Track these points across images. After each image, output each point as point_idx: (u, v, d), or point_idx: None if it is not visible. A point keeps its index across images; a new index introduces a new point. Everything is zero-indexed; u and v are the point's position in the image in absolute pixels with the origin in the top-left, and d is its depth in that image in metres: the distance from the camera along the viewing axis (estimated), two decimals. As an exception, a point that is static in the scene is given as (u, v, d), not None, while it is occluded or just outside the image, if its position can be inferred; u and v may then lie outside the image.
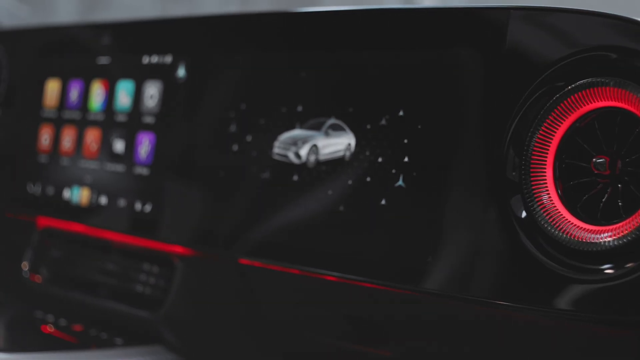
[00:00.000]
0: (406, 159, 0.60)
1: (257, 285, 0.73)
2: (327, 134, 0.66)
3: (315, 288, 0.68)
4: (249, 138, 0.72)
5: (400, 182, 0.59)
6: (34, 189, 0.92)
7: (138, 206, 0.80)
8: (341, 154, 0.65)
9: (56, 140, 0.91)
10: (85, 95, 0.89)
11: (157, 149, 0.80)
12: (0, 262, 0.98)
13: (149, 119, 0.81)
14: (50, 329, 0.87)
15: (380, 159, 0.62)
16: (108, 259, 0.85)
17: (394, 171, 0.61)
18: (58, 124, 0.91)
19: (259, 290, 0.73)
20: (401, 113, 0.61)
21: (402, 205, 0.59)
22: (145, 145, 0.81)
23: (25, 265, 0.93)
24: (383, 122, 0.62)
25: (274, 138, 0.70)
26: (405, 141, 0.60)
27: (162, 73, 0.80)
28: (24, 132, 0.95)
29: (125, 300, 0.83)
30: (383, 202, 0.61)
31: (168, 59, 0.80)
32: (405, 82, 0.61)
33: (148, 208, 0.79)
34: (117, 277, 0.84)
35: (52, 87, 0.93)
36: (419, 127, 0.60)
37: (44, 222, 0.94)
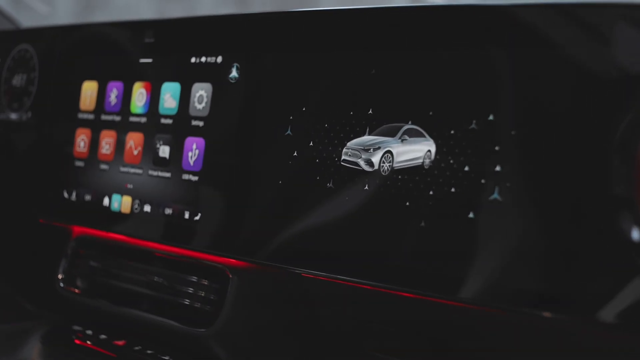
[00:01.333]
0: (498, 168, 0.55)
1: (322, 301, 0.68)
2: (403, 140, 0.62)
3: (388, 305, 0.63)
4: (311, 143, 0.68)
5: (495, 195, 0.55)
6: (70, 195, 0.87)
7: (186, 215, 0.76)
8: (419, 161, 0.61)
9: (94, 144, 0.86)
10: (126, 97, 0.84)
11: (207, 155, 0.75)
12: (34, 272, 0.93)
13: (197, 123, 0.76)
14: (89, 343, 0.82)
15: (466, 168, 0.57)
16: (152, 270, 0.81)
17: (483, 181, 0.56)
18: (96, 127, 0.86)
19: (324, 307, 0.68)
20: (491, 117, 0.56)
21: (496, 219, 0.55)
22: (193, 150, 0.76)
23: (60, 276, 0.89)
24: (469, 127, 0.58)
25: (342, 144, 0.65)
26: (497, 148, 0.56)
27: (212, 74, 0.76)
28: (58, 135, 0.90)
29: (173, 315, 0.78)
30: (471, 215, 0.56)
31: (219, 59, 0.75)
32: (496, 83, 0.57)
33: (197, 217, 0.75)
34: (162, 290, 0.79)
35: (88, 89, 0.88)
36: (513, 132, 0.55)
37: (79, 230, 0.89)
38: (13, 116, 0.97)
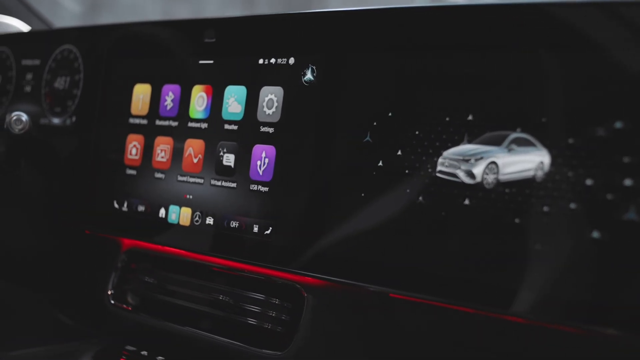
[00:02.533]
0: (629, 183, 0.50)
1: (411, 325, 0.63)
2: (510, 150, 0.56)
3: (494, 331, 0.58)
4: (399, 152, 0.62)
5: (631, 214, 0.49)
6: (121, 205, 0.82)
7: (255, 228, 0.70)
8: (530, 173, 0.55)
9: (147, 151, 0.81)
10: (183, 101, 0.78)
11: (278, 164, 0.69)
12: (81, 287, 0.87)
13: (267, 129, 0.71)
14: (144, 365, 0.77)
15: (588, 182, 0.52)
16: (215, 287, 0.75)
17: (610, 197, 0.51)
18: (149, 133, 0.81)
19: (412, 331, 0.63)
20: (619, 125, 0.51)
21: (631, 241, 0.49)
22: (262, 159, 0.71)
23: (109, 291, 0.83)
24: (591, 135, 0.52)
25: (437, 153, 0.60)
26: (627, 160, 0.50)
27: (283, 77, 0.70)
28: (107, 141, 0.85)
29: (238, 336, 0.72)
30: (596, 235, 0.51)
31: (291, 60, 0.70)
32: (623, 85, 0.51)
33: (268, 231, 0.69)
34: (227, 309, 0.74)
35: (141, 92, 0.82)
36: (647, 143, 0.50)
37: (129, 242, 0.84)
38: (56, 121, 0.92)
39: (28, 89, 0.97)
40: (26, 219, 0.91)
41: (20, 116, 0.80)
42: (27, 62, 0.98)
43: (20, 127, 0.80)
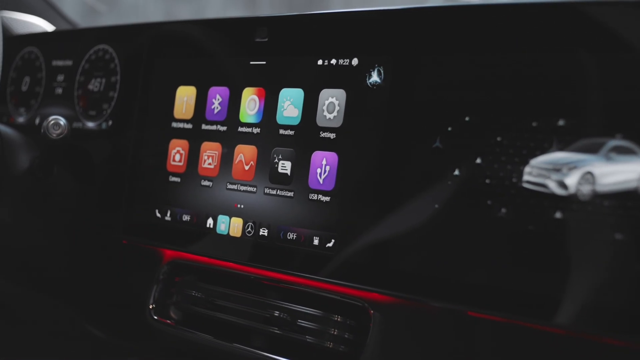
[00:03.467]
0: None
1: (495, 347, 0.58)
2: (608, 158, 0.52)
3: (593, 357, 0.53)
4: (478, 160, 0.58)
5: None
6: (164, 214, 0.77)
7: (316, 241, 0.66)
8: (633, 185, 0.51)
9: (193, 157, 0.76)
10: (233, 105, 0.74)
11: (341, 172, 0.65)
12: (119, 300, 0.83)
13: (328, 135, 0.66)
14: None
15: None
16: (270, 303, 0.70)
17: None
18: (195, 138, 0.76)
19: (497, 353, 0.58)
20: None
21: None
22: (323, 166, 0.66)
23: (151, 305, 0.78)
24: None
25: (523, 162, 0.55)
26: None
27: (346, 79, 0.66)
28: (147, 147, 0.80)
29: (294, 354, 0.68)
30: None
31: (354, 61, 0.65)
32: None
33: (330, 243, 0.65)
34: (283, 326, 0.69)
35: (185, 95, 0.78)
36: None
37: (171, 254, 0.79)
38: (90, 125, 0.87)
39: (59, 91, 0.92)
40: (59, 229, 0.87)
41: (59, 120, 0.76)
42: (57, 62, 0.93)
43: (58, 132, 0.76)
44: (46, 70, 0.94)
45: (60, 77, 0.92)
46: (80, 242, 0.87)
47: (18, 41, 0.98)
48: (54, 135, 0.76)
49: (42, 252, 0.87)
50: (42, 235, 0.86)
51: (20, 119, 0.96)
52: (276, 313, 0.69)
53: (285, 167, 0.69)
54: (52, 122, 0.75)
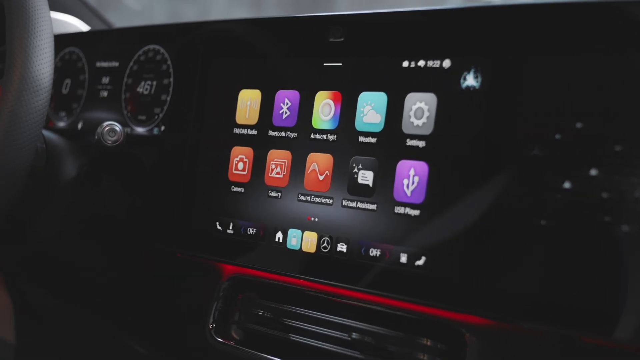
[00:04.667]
0: None
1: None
2: None
3: None
4: (593, 172, 0.53)
5: None
6: (226, 227, 0.72)
7: (403, 258, 0.60)
8: None
9: (258, 165, 0.71)
10: (304, 110, 0.68)
11: (432, 183, 0.60)
12: (175, 318, 0.77)
13: (416, 143, 0.61)
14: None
15: None
16: (348, 324, 0.65)
17: None
18: (260, 145, 0.71)
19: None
20: None
21: None
22: (411, 177, 0.61)
23: (211, 325, 0.73)
24: None
25: (651, 174, 0.50)
26: None
27: (436, 82, 0.61)
28: (206, 154, 0.75)
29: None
30: None
31: (445, 63, 0.60)
32: None
33: (420, 261, 0.59)
34: (364, 350, 0.64)
35: (248, 99, 0.73)
36: None
37: (232, 269, 0.74)
38: (140, 130, 0.81)
39: (104, 94, 0.87)
40: (108, 240, 0.81)
41: (114, 126, 0.70)
42: (102, 64, 0.88)
43: (114, 138, 0.70)
44: (89, 72, 0.89)
45: (106, 79, 0.87)
46: (129, 254, 0.81)
47: (57, 41, 0.93)
48: (109, 142, 0.70)
49: (89, 265, 0.82)
50: (90, 246, 0.81)
51: (61, 124, 0.90)
52: (356, 335, 0.64)
53: (366, 177, 0.63)
54: (107, 128, 0.70)
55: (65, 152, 0.78)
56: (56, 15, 1.11)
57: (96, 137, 0.71)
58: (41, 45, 0.65)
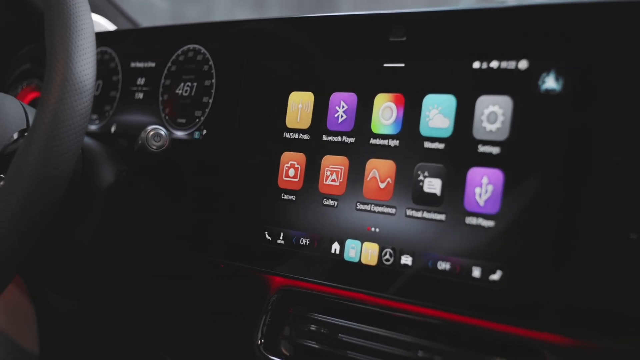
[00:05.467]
0: None
1: None
2: None
3: None
4: (692, 182, 0.49)
5: None
6: (275, 237, 0.68)
7: (476, 272, 0.56)
8: None
9: (311, 172, 0.67)
10: (362, 113, 0.65)
11: (508, 192, 0.56)
12: (222, 331, 0.73)
13: (489, 150, 0.57)
14: None
15: None
16: (413, 342, 0.61)
17: None
18: (313, 150, 0.67)
19: None
20: None
21: None
22: (484, 185, 0.57)
23: (259, 340, 0.69)
24: None
25: None
26: None
27: (512, 84, 0.57)
28: (253, 160, 0.71)
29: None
30: None
31: (522, 64, 0.56)
32: None
33: (495, 276, 0.56)
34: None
35: (299, 102, 0.69)
36: None
37: (280, 281, 0.70)
38: (179, 134, 0.78)
39: (139, 95, 0.83)
40: (146, 250, 0.77)
41: (159, 130, 0.67)
42: (137, 64, 0.84)
43: (159, 143, 0.66)
44: (123, 73, 0.85)
45: (141, 80, 0.83)
46: (169, 265, 0.77)
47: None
48: (154, 147, 0.66)
49: (127, 275, 0.78)
50: (128, 256, 0.77)
51: (92, 127, 0.86)
52: (423, 354, 0.60)
53: (433, 185, 0.60)
54: (152, 132, 0.66)
55: (102, 157, 0.74)
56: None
57: (140, 141, 0.67)
58: (83, 45, 0.61)
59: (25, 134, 0.72)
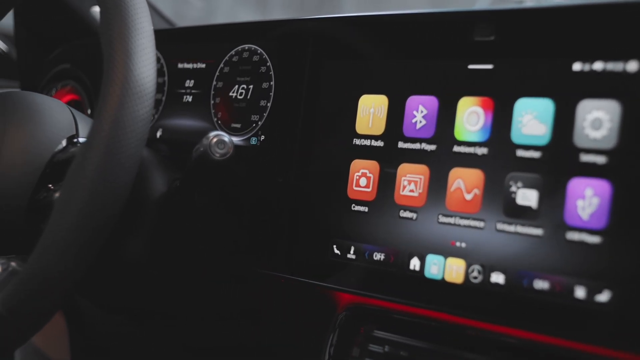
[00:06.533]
0: None
1: None
2: None
3: None
4: None
5: None
6: (345, 251, 0.63)
7: (579, 292, 0.52)
8: None
9: (386, 181, 0.62)
10: (444, 118, 0.60)
11: (617, 205, 0.51)
12: (284, 351, 0.69)
13: (593, 159, 0.52)
14: None
15: None
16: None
17: None
18: (388, 158, 0.62)
19: None
20: None
21: None
22: (587, 198, 0.52)
23: (327, 361, 0.64)
24: None
25: None
26: None
27: (620, 88, 0.52)
28: (318, 168, 0.66)
29: None
30: None
31: (632, 66, 0.52)
32: None
33: (602, 297, 0.51)
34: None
35: (370, 106, 0.64)
36: None
37: (349, 298, 0.65)
38: (234, 140, 0.73)
39: (188, 98, 0.78)
40: (201, 263, 0.73)
41: (222, 137, 0.62)
42: (185, 65, 0.79)
43: (223, 151, 0.61)
44: (169, 74, 0.80)
45: (189, 82, 0.78)
46: (224, 281, 0.72)
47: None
48: (217, 154, 0.62)
49: (179, 290, 0.73)
50: (180, 270, 0.72)
51: (136, 131, 0.81)
52: (518, 381, 0.55)
53: (527, 197, 0.55)
54: (216, 139, 0.61)
55: (152, 164, 0.70)
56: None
57: (201, 148, 0.62)
58: (144, 44, 0.56)
59: (74, 140, 0.68)
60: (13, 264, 0.69)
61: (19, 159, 0.65)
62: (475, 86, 0.59)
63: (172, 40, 0.81)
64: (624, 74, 0.52)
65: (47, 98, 0.70)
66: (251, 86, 0.73)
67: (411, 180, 0.61)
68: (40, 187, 0.65)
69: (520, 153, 0.56)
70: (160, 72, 0.81)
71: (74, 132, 0.68)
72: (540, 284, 0.54)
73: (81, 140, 0.68)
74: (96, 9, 0.98)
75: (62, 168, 0.65)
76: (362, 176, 0.64)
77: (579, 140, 0.53)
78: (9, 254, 0.69)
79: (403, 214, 0.61)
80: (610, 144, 0.52)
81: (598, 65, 0.53)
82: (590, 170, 0.52)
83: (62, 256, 0.51)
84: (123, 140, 0.53)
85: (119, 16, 0.56)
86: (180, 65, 0.79)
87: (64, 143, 0.66)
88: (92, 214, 0.51)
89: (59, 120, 0.67)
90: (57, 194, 0.62)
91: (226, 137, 0.62)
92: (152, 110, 0.55)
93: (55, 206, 0.53)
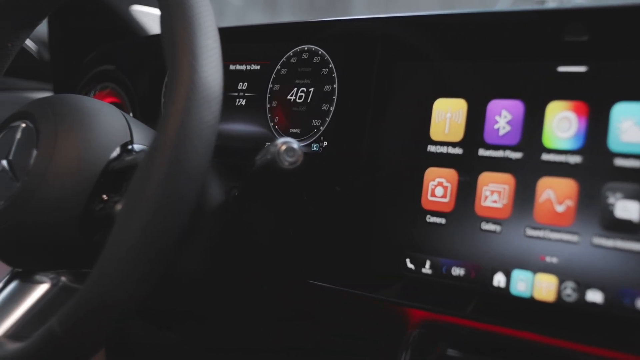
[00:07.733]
0: None
1: None
2: None
3: None
4: None
5: None
6: (420, 265, 0.59)
7: (690, 314, 0.48)
8: None
9: (465, 191, 0.58)
10: (530, 124, 0.56)
11: None
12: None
13: None
14: None
15: None
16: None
17: None
18: (467, 167, 0.58)
19: None
20: None
21: None
22: (699, 211, 0.48)
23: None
24: None
25: None
26: None
27: None
28: (388, 177, 0.63)
29: None
30: None
31: None
32: None
33: None
34: None
35: (447, 110, 0.60)
36: None
37: (422, 315, 0.61)
38: (294, 146, 0.69)
39: (241, 102, 0.74)
40: (260, 277, 0.69)
41: (292, 144, 0.58)
42: (237, 67, 0.75)
43: (292, 159, 0.58)
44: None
45: (243, 85, 0.74)
46: (285, 296, 0.69)
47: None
48: (286, 163, 0.58)
49: (236, 305, 0.70)
50: (239, 284, 0.68)
51: (184, 136, 0.77)
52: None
53: (628, 209, 0.51)
54: (285, 146, 0.57)
55: (209, 173, 0.66)
56: (150, 10, 0.99)
57: (269, 156, 0.58)
58: (210, 45, 0.53)
59: (129, 147, 0.64)
60: (63, 278, 0.65)
61: (71, 168, 0.61)
62: (565, 90, 0.55)
63: (223, 40, 0.77)
64: None
65: (99, 102, 0.66)
66: (312, 89, 0.69)
67: (494, 191, 0.57)
68: (95, 198, 0.61)
69: (618, 162, 0.52)
70: (210, 74, 0.77)
71: (129, 139, 0.64)
72: (644, 304, 0.50)
73: (136, 147, 0.64)
74: (136, 8, 0.94)
75: (117, 177, 0.61)
76: (438, 185, 0.60)
77: (688, 149, 0.49)
78: (59, 268, 0.65)
79: (485, 226, 0.57)
80: None
81: None
82: (701, 181, 0.48)
83: (125, 278, 0.48)
84: (190, 148, 0.49)
85: (183, 13, 0.53)
86: (232, 67, 0.75)
87: (118, 150, 0.63)
88: (158, 231, 0.47)
89: (112, 125, 0.64)
90: (116, 206, 0.59)
91: (295, 145, 0.58)
92: (219, 116, 0.52)
93: (117, 222, 0.49)
